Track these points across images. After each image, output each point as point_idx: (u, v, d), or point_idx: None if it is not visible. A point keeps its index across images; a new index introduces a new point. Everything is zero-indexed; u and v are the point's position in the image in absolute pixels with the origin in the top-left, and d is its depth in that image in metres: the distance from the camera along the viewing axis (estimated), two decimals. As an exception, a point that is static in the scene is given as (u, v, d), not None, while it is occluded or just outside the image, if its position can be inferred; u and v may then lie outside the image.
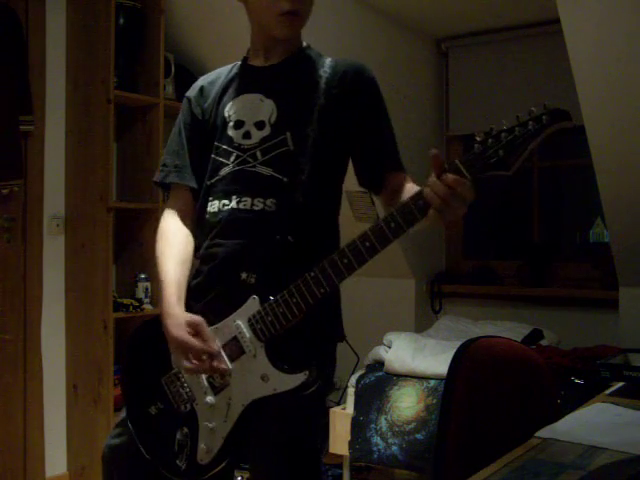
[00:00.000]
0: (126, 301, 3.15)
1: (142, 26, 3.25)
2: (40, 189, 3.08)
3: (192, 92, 1.63)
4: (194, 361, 1.39)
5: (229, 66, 1.64)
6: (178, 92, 3.42)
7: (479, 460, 1.29)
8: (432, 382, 2.86)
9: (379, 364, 3.10)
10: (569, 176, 4.02)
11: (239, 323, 1.40)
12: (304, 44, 1.60)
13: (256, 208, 1.45)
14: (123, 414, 1.58)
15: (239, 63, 1.62)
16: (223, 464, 1.42)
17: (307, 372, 1.35)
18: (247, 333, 1.39)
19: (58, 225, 3.17)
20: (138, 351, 1.59)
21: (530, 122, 1.15)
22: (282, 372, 1.37)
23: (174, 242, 1.54)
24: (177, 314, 1.43)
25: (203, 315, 1.45)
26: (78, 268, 3.16)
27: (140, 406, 1.53)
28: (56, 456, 3.14)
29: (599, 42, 2.63)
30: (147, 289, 3.20)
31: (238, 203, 1.47)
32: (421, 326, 3.79)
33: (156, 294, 3.21)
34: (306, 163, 1.45)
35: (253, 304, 1.39)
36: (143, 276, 3.20)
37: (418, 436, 2.77)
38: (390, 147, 1.54)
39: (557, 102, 1.19)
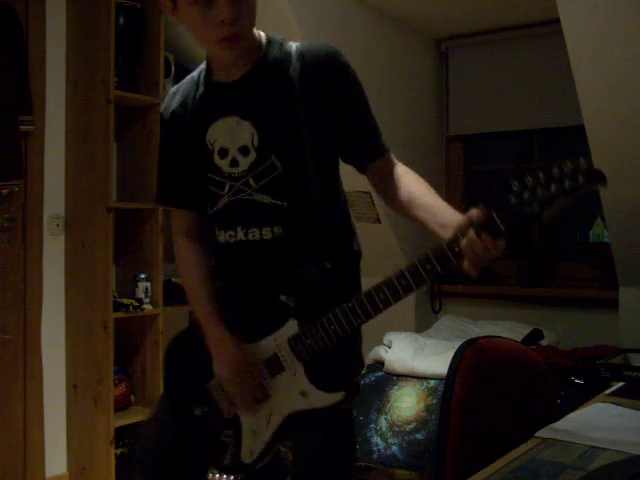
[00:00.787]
0: (126, 301, 3.14)
1: (142, 26, 3.24)
2: (40, 189, 3.08)
3: (166, 114, 1.55)
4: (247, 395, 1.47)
5: (194, 77, 1.53)
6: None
7: (479, 460, 1.29)
8: (432, 382, 2.86)
9: (379, 364, 3.11)
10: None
11: (279, 342, 1.45)
12: (264, 39, 1.47)
13: (266, 237, 1.45)
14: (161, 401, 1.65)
15: (203, 75, 1.50)
16: (266, 459, 1.49)
17: (344, 393, 1.41)
18: (287, 353, 1.44)
19: (58, 225, 3.17)
20: (184, 353, 1.62)
21: (566, 180, 1.18)
22: (321, 390, 1.42)
23: (191, 264, 1.58)
24: (228, 348, 1.48)
25: (238, 333, 1.49)
26: (78, 268, 3.16)
27: (185, 407, 1.57)
28: (56, 456, 3.14)
29: (599, 42, 2.63)
30: (147, 289, 3.20)
31: (246, 235, 1.47)
32: (421, 326, 3.79)
33: (156, 294, 3.21)
34: (301, 181, 1.44)
35: (292, 326, 1.43)
36: (143, 276, 3.20)
37: (418, 436, 2.78)
38: (371, 135, 1.50)
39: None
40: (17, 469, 2.98)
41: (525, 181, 1.21)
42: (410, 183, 1.47)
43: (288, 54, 1.44)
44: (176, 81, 3.37)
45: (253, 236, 1.46)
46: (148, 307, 3.19)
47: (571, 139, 3.89)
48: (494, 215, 1.23)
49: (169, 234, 3.48)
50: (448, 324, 3.58)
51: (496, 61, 3.95)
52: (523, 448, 1.34)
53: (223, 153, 1.46)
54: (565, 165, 1.18)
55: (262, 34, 1.48)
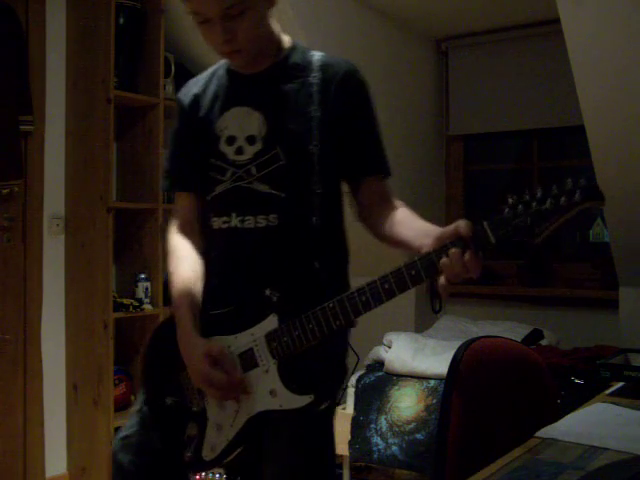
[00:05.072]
0: (126, 301, 3.15)
1: (142, 26, 3.25)
2: (40, 189, 3.08)
3: (185, 99, 1.62)
4: (218, 392, 1.44)
5: (216, 68, 1.62)
6: (178, 92, 3.42)
7: (479, 460, 1.29)
8: (432, 382, 2.86)
9: (379, 364, 3.11)
10: (569, 176, 4.02)
11: (257, 337, 1.44)
12: (288, 43, 1.56)
13: (260, 225, 1.47)
14: (136, 406, 1.61)
15: (225, 66, 1.59)
16: (227, 459, 1.47)
17: (313, 395, 1.39)
18: (263, 348, 1.43)
19: (58, 225, 3.17)
20: (163, 342, 1.60)
21: (562, 196, 1.18)
22: (290, 391, 1.40)
23: (182, 257, 1.56)
24: (194, 343, 1.46)
25: (220, 323, 1.49)
26: (78, 268, 3.16)
27: (157, 395, 1.57)
28: (56, 456, 3.15)
29: (599, 42, 2.63)
30: (147, 289, 3.20)
31: (242, 222, 1.48)
32: (421, 326, 3.79)
33: (156, 294, 3.21)
34: (302, 176, 1.47)
35: (272, 321, 1.42)
36: (143, 276, 3.20)
37: (418, 436, 2.77)
38: (374, 149, 1.53)
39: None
40: (17, 469, 2.99)
41: (521, 195, 1.21)
42: (401, 212, 1.48)
43: (309, 62, 1.52)
44: (176, 81, 3.42)
45: (248, 223, 1.48)
46: (148, 307, 3.19)
47: (571, 139, 3.89)
48: (485, 224, 1.22)
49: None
50: (448, 324, 3.58)
51: (496, 61, 3.94)
52: (523, 448, 1.34)
53: (231, 140, 1.51)
54: (565, 182, 1.18)
55: (287, 39, 1.56)
